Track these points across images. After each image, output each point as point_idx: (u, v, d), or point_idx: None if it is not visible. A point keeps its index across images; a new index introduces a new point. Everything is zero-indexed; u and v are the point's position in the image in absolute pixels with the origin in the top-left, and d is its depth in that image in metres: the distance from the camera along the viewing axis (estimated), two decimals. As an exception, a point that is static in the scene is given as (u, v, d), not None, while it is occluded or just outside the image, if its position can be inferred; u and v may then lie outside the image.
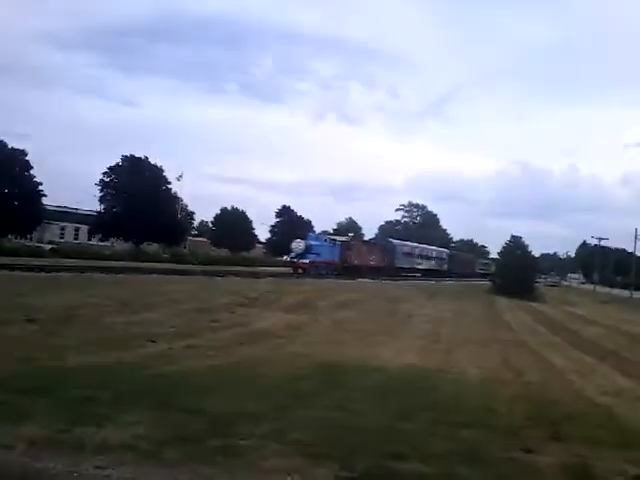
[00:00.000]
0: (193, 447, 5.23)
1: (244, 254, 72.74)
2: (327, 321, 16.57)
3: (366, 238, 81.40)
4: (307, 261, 47.08)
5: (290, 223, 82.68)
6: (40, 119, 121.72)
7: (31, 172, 50.06)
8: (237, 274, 36.37)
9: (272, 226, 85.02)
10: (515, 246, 45.29)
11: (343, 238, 56.36)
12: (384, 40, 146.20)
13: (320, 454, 5.28)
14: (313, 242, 49.90)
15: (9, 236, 48.99)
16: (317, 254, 48.17)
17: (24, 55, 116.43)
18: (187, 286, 22.45)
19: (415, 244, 72.28)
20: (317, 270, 45.48)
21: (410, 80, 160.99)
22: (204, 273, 34.71)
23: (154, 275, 29.59)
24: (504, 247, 46.74)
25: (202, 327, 13.34)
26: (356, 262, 53.31)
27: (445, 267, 74.86)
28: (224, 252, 72.49)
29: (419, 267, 67.70)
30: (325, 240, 52.16)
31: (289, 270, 46.57)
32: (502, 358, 12.72)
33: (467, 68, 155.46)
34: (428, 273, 66.37)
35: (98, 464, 4.67)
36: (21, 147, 50.29)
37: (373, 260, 57.49)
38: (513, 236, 46.25)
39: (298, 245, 48.76)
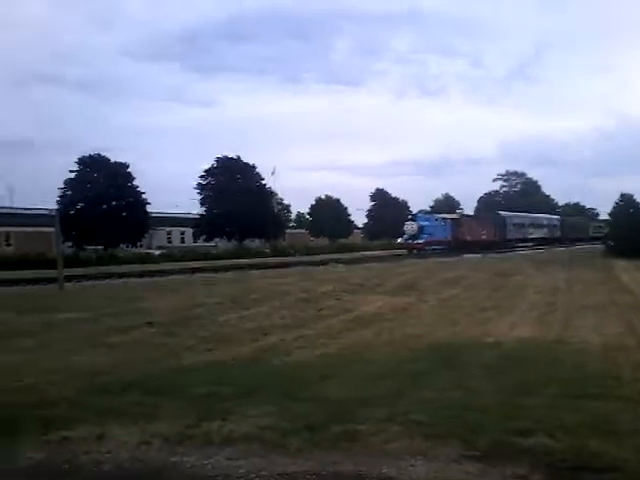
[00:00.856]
0: (317, 435, 5.31)
1: (343, 241, 73.20)
2: (434, 300, 16.33)
3: (465, 212, 79.87)
4: (421, 241, 48.26)
5: (386, 206, 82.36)
6: (130, 130, 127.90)
7: (134, 182, 52.89)
8: (337, 261, 36.66)
9: (368, 210, 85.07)
10: (626, 205, 42.58)
11: (453, 216, 57.15)
12: (460, 7, 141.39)
13: (442, 434, 5.21)
14: (424, 222, 50.72)
15: (120, 245, 52.02)
16: (430, 234, 49.29)
17: (108, 70, 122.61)
18: (290, 278, 22.87)
19: (525, 214, 70.61)
20: (431, 249, 46.29)
21: (491, 45, 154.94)
22: (305, 263, 35.27)
23: (259, 270, 30.42)
24: (614, 207, 44.05)
25: (310, 316, 13.54)
26: (468, 238, 53.45)
27: (558, 234, 72.76)
28: (323, 241, 73.31)
29: (531, 237, 66.49)
30: (436, 219, 53.11)
31: (390, 252, 46.86)
32: (625, 323, 12.00)
33: (550, 26, 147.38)
34: (541, 242, 64.84)
35: (228, 456, 4.86)
36: (119, 159, 53.27)
37: (484, 234, 57.31)
38: (623, 194, 43.50)
39: (411, 227, 49.87)
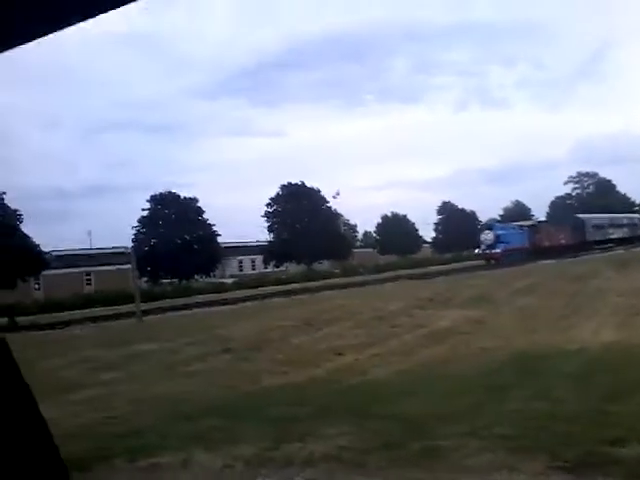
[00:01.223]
0: (395, 452, 5.25)
1: (412, 257, 72.51)
2: (509, 310, 15.93)
3: (539, 218, 78.01)
4: (499, 250, 47.84)
5: (453, 218, 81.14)
6: (199, 166, 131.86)
7: (204, 216, 54.35)
8: (409, 277, 36.32)
9: (436, 224, 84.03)
10: None
11: (530, 223, 56.69)
12: (516, 13, 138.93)
13: (526, 447, 5.04)
14: (501, 231, 50.58)
15: (195, 277, 53.38)
16: (507, 242, 48.95)
17: (177, 112, 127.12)
18: (361, 297, 22.82)
19: (604, 215, 68.92)
20: (510, 258, 45.22)
21: (552, 47, 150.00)
22: (375, 282, 35.12)
23: (329, 291, 30.50)
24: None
25: (383, 334, 13.46)
26: (546, 244, 52.79)
27: (639, 232, 70.44)
28: (392, 258, 72.85)
29: (612, 237, 65.08)
30: (512, 228, 52.90)
31: (462, 265, 46.11)
32: None
33: (612, 20, 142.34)
34: (621, 242, 62.95)
35: (309, 477, 4.87)
36: (190, 195, 54.86)
37: (563, 239, 56.40)
38: None
39: (487, 236, 49.84)
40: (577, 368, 8.20)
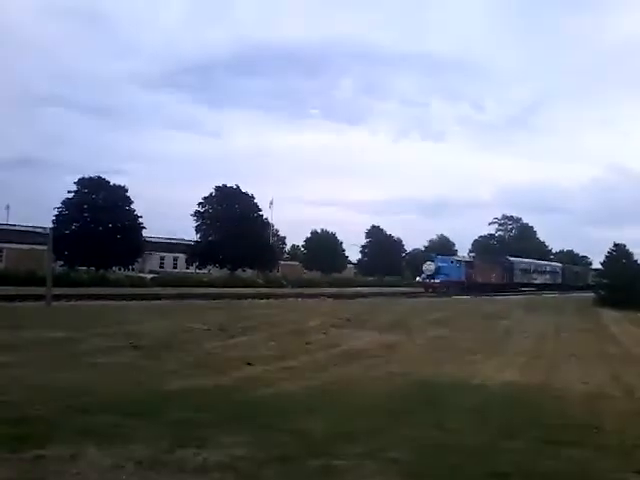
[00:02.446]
0: (291, 467, 5.26)
1: (336, 275, 73.18)
2: (422, 339, 16.30)
3: (462, 254, 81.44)
4: (438, 281, 51.54)
5: (380, 243, 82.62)
6: (134, 155, 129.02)
7: (131, 206, 52.99)
8: (330, 295, 36.62)
9: (362, 246, 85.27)
10: (619, 255, 42.78)
11: (468, 258, 61.33)
12: (465, 52, 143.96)
13: (419, 473, 5.18)
14: (442, 264, 54.39)
15: (113, 268, 51.85)
16: (446, 274, 52.75)
17: (117, 97, 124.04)
18: (281, 309, 22.81)
19: (530, 260, 74.69)
20: (446, 289, 48.78)
21: (494, 91, 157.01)
22: (297, 296, 35.21)
23: (249, 300, 30.34)
24: (607, 256, 44.23)
25: (297, 349, 13.48)
26: (479, 280, 56.77)
27: (559, 280, 75.81)
28: (316, 274, 73.26)
29: (535, 282, 69.63)
30: (452, 261, 56.71)
31: (383, 290, 47.38)
32: (610, 374, 12.00)
33: (552, 75, 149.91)
34: (543, 287, 67.67)
35: (199, 484, 4.81)
36: (121, 183, 53.47)
37: (494, 277, 60.85)
38: (616, 244, 43.71)
39: (429, 267, 53.70)
40: (476, 402, 8.48)
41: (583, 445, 6.28)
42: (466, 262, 58.78)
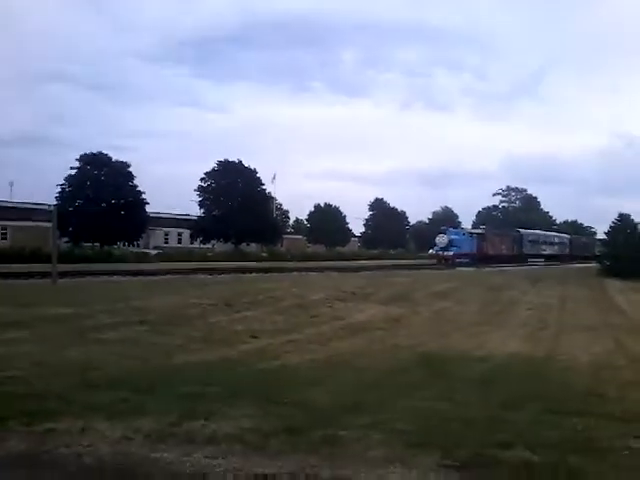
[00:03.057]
0: (297, 438, 5.34)
1: (339, 249, 73.28)
2: (426, 312, 16.39)
3: (466, 226, 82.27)
4: (451, 253, 52.57)
5: (384, 215, 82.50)
6: (139, 131, 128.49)
7: (134, 182, 52.95)
8: (334, 268, 36.71)
9: (366, 219, 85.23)
10: (623, 225, 42.63)
11: (479, 231, 61.21)
12: (468, 21, 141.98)
13: (423, 443, 5.25)
14: (454, 236, 55.22)
15: (118, 243, 52.01)
16: (458, 247, 53.72)
17: (119, 73, 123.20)
18: (285, 283, 22.89)
19: (539, 232, 75.53)
20: (459, 260, 50.42)
21: (498, 60, 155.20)
22: (301, 270, 35.31)
23: (253, 274, 30.45)
24: (611, 226, 44.11)
25: (302, 322, 13.58)
26: (491, 252, 58.08)
27: (567, 251, 76.94)
28: (320, 248, 73.37)
29: (544, 253, 70.69)
30: (464, 234, 57.83)
31: (381, 263, 47.86)
32: (615, 343, 12.07)
33: (556, 42, 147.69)
34: (552, 258, 68.77)
35: (208, 454, 4.89)
36: (125, 159, 53.37)
37: (505, 249, 62.06)
38: (620, 214, 43.55)
39: (442, 239, 54.41)
40: (481, 374, 8.56)
41: (587, 414, 6.34)
42: (478, 234, 59.38)
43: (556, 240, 78.58)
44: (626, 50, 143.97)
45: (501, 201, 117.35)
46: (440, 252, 53.72)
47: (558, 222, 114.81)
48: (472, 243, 56.68)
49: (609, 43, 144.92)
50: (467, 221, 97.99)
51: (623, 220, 43.09)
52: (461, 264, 48.68)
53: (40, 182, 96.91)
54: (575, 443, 5.37)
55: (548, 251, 72.53)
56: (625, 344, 11.96)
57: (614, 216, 43.80)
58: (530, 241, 68.96)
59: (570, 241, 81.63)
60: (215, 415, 5.91)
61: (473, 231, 61.28)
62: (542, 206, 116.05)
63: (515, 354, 10.42)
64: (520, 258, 60.96)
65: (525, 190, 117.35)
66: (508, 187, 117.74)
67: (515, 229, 70.29)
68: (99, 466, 4.66)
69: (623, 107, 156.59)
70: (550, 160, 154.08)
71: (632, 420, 6.24)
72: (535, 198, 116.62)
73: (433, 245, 56.15)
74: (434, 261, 51.47)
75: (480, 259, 53.21)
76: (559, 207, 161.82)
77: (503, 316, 16.31)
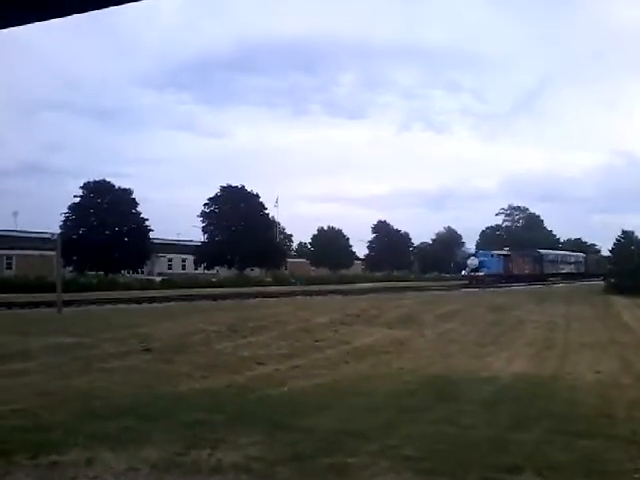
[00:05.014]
0: (305, 466, 5.31)
1: (344, 272, 73.18)
2: (432, 334, 16.33)
3: (469, 246, 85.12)
4: (482, 274, 56.82)
5: (387, 237, 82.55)
6: (138, 158, 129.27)
7: (137, 209, 53.18)
8: (339, 292, 36.64)
9: (369, 242, 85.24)
10: (628, 241, 42.57)
11: (505, 252, 66.26)
12: (464, 42, 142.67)
13: (431, 469, 5.21)
14: (483, 258, 60.15)
15: (122, 271, 52.06)
16: (488, 267, 58.62)
17: (118, 99, 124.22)
18: (289, 307, 22.86)
19: (557, 252, 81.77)
20: (488, 281, 53.75)
21: (495, 80, 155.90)
22: (305, 293, 35.26)
23: (258, 299, 30.41)
24: (615, 244, 44.06)
25: (307, 347, 13.54)
26: (515, 272, 62.95)
27: (582, 269, 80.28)
28: (324, 271, 73.29)
29: (562, 271, 74.21)
30: (492, 255, 62.24)
31: (391, 285, 47.80)
32: (621, 361, 12.00)
33: (554, 59, 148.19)
34: (568, 276, 71.76)
35: (214, 485, 4.86)
36: (126, 186, 53.66)
37: (527, 269, 66.73)
38: (624, 231, 43.52)
39: (473, 262, 59.34)
40: (487, 396, 8.52)
41: (595, 435, 6.30)
42: (504, 256, 64.26)
43: (572, 259, 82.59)
44: (623, 66, 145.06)
45: (504, 220, 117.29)
46: (472, 273, 58.03)
47: (562, 240, 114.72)
48: (499, 264, 61.55)
49: (606, 59, 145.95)
50: (471, 241, 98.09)
51: (627, 237, 43.05)
52: (489, 283, 52.16)
53: (42, 211, 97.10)
54: (584, 466, 5.33)
55: (566, 270, 76.27)
56: (632, 362, 11.89)
57: (618, 233, 43.82)
58: (549, 261, 73.32)
59: (585, 259, 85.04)
60: (221, 443, 5.88)
61: (500, 253, 65.65)
62: (545, 224, 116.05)
63: (521, 374, 10.36)
64: (541, 277, 64.93)
65: (527, 209, 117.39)
66: (510, 206, 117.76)
67: (536, 250, 74.07)
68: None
69: (621, 123, 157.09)
70: (552, 178, 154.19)
71: (641, 441, 6.19)
72: (538, 217, 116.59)
73: (464, 267, 61.03)
74: (466, 281, 55.18)
75: (506, 278, 57.39)
76: (562, 225, 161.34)
77: (509, 336, 16.24)
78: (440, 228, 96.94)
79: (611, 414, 7.35)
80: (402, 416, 7.21)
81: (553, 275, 69.19)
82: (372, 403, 7.99)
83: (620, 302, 30.01)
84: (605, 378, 10.01)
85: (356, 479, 5.09)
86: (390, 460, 5.48)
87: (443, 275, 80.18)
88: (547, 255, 73.81)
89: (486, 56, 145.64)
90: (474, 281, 54.05)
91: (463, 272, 60.84)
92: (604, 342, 14.98)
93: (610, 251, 46.67)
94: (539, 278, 62.96)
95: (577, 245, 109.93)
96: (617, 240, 43.85)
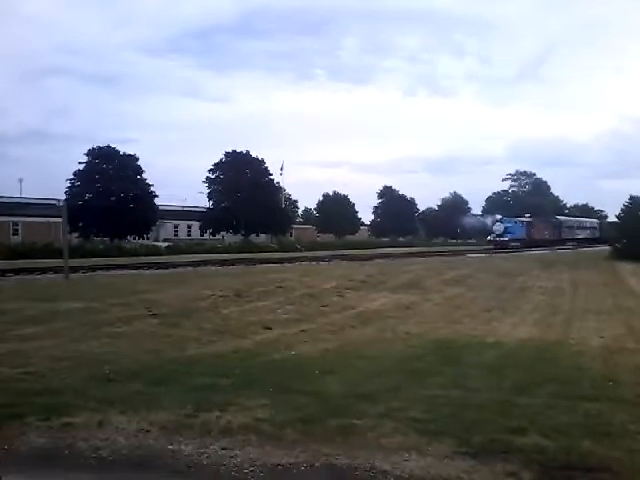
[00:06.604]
0: (312, 427, 5.39)
1: (349, 237, 73.26)
2: (438, 299, 16.37)
3: (476, 211, 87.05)
4: (506, 239, 61.71)
5: (393, 203, 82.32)
6: (143, 124, 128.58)
7: (143, 175, 53.10)
8: (343, 258, 36.72)
9: (375, 207, 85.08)
10: (635, 207, 42.27)
11: (528, 219, 69.68)
12: (469, 5, 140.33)
13: (437, 431, 5.29)
14: (508, 224, 64.83)
15: (128, 237, 52.25)
16: (512, 233, 63.40)
17: (123, 65, 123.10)
18: (295, 273, 22.94)
19: (574, 218, 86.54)
20: (512, 244, 58.60)
21: (501, 44, 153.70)
22: (310, 259, 35.36)
23: (264, 265, 30.53)
24: (622, 209, 43.78)
25: (313, 312, 13.61)
26: (537, 237, 66.67)
27: (597, 235, 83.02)
28: (330, 237, 73.38)
29: (578, 237, 78.27)
30: (515, 222, 66.53)
31: (399, 250, 48.03)
32: (626, 326, 12.02)
33: (561, 24, 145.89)
34: (584, 241, 75.41)
35: (224, 446, 4.94)
36: (131, 152, 53.49)
37: (547, 234, 70.60)
38: (631, 197, 43.18)
39: (499, 227, 64.38)
40: (493, 360, 8.56)
41: (599, 399, 6.35)
42: (527, 222, 68.19)
43: (588, 225, 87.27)
44: (631, 31, 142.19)
45: (511, 186, 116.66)
46: (497, 238, 62.87)
47: (569, 206, 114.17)
48: (522, 230, 65.68)
49: (613, 24, 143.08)
50: (477, 207, 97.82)
51: (634, 203, 42.75)
52: (514, 248, 55.89)
53: (48, 177, 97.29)
54: (588, 428, 5.39)
55: (582, 235, 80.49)
56: (637, 327, 11.91)
57: (625, 199, 43.51)
58: (567, 227, 77.98)
59: (600, 225, 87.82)
60: (230, 406, 5.97)
61: (523, 219, 69.03)
62: (552, 190, 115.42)
63: (527, 339, 10.40)
64: (559, 242, 68.46)
65: (534, 174, 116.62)
66: (517, 171, 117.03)
67: (554, 216, 79.55)
68: (117, 459, 4.73)
69: (630, 88, 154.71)
70: (558, 143, 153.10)
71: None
72: (545, 182, 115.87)
73: (490, 232, 66.02)
74: (491, 246, 59.94)
75: (529, 243, 61.08)
76: (569, 190, 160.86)
77: (515, 302, 16.27)
78: (446, 194, 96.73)
79: (615, 378, 7.39)
80: (408, 379, 7.27)
81: (570, 240, 73.12)
82: (378, 367, 8.05)
83: (626, 268, 29.95)
84: (610, 343, 10.04)
85: (363, 440, 5.17)
86: (396, 422, 5.56)
87: (449, 241, 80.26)
88: (565, 222, 79.06)
89: (492, 20, 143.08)
90: (499, 246, 58.61)
91: (489, 237, 66.18)
92: (609, 308, 15.01)
93: (617, 217, 46.41)
94: (558, 243, 66.79)
95: (584, 211, 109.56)
96: (624, 206, 43.57)
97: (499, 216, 68.96)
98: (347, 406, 6.05)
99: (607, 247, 48.05)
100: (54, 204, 48.22)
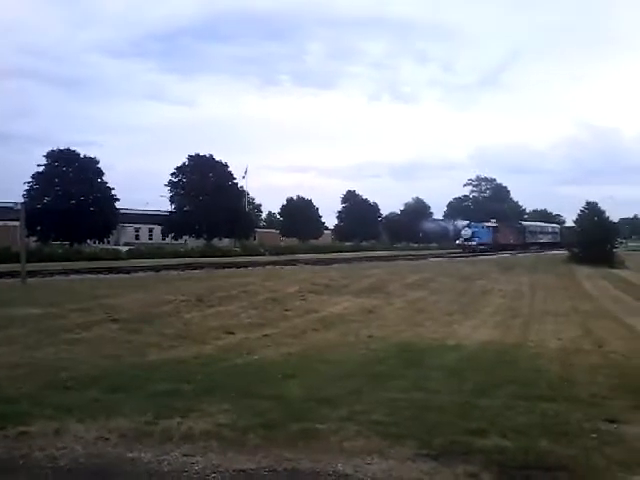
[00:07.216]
0: (274, 432, 5.37)
1: (313, 242, 73.32)
2: (400, 303, 16.52)
3: (438, 216, 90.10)
4: (474, 243, 64.81)
5: (357, 207, 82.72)
6: (106, 127, 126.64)
7: (103, 178, 52.17)
8: (306, 262, 36.73)
9: (339, 212, 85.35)
10: (591, 212, 43.46)
11: (494, 224, 72.76)
12: (433, 13, 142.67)
13: (399, 434, 5.32)
14: (475, 229, 68.19)
15: (88, 241, 51.24)
16: (479, 237, 66.63)
17: (85, 68, 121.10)
18: (258, 277, 22.85)
19: (537, 223, 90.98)
20: (479, 248, 61.66)
21: (463, 51, 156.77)
22: (274, 263, 35.28)
23: (226, 269, 30.33)
24: (580, 215, 44.97)
25: (276, 316, 13.58)
26: (502, 241, 70.17)
27: (558, 239, 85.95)
28: (293, 241, 73.31)
29: (541, 241, 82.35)
30: (483, 227, 69.84)
31: (360, 255, 48.07)
32: (583, 329, 12.34)
33: (522, 33, 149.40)
34: (546, 246, 78.60)
35: (186, 452, 4.89)
36: (94, 155, 52.49)
37: (512, 239, 74.19)
38: (588, 202, 44.40)
39: (467, 232, 67.57)
40: (454, 363, 8.68)
41: (556, 399, 6.50)
42: (493, 227, 71.57)
43: (550, 230, 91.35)
44: (590, 40, 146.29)
45: (472, 191, 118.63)
46: (465, 242, 66.05)
47: (527, 211, 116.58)
48: (489, 234, 68.99)
49: (574, 33, 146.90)
50: (439, 212, 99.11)
51: (590, 208, 43.92)
52: (482, 251, 59.10)
53: (6, 179, 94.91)
54: (546, 428, 5.51)
55: (544, 239, 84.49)
56: (592, 329, 12.24)
57: (582, 204, 44.71)
58: (530, 231, 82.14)
59: (560, 230, 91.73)
60: (191, 412, 5.90)
61: (489, 225, 72.19)
62: (511, 195, 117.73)
63: (487, 342, 10.59)
64: (523, 246, 72.58)
65: (494, 180, 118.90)
66: (478, 177, 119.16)
67: (519, 222, 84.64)
68: (75, 468, 4.63)
69: (586, 96, 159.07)
70: (518, 150, 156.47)
71: (600, 404, 6.42)
72: (505, 187, 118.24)
73: (459, 237, 69.19)
74: (460, 250, 62.66)
75: (495, 247, 64.55)
76: (528, 196, 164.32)
77: (476, 305, 16.53)
78: (409, 198, 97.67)
79: (572, 379, 7.58)
80: (370, 383, 7.31)
81: (533, 244, 77.29)
82: (341, 370, 8.08)
83: (583, 272, 30.76)
84: (567, 345, 10.29)
85: (325, 444, 5.17)
86: (359, 425, 5.58)
87: (411, 245, 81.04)
88: (529, 227, 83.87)
89: (455, 28, 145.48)
90: (467, 250, 61.69)
91: (457, 241, 69.21)
92: (567, 310, 15.38)
93: (574, 222, 47.63)
94: (522, 247, 71.03)
95: (544, 216, 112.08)
96: (581, 211, 44.74)
97: (466, 221, 72.59)
98: (309, 410, 6.04)
99: (566, 251, 49.38)
100: (11, 207, 46.96)
